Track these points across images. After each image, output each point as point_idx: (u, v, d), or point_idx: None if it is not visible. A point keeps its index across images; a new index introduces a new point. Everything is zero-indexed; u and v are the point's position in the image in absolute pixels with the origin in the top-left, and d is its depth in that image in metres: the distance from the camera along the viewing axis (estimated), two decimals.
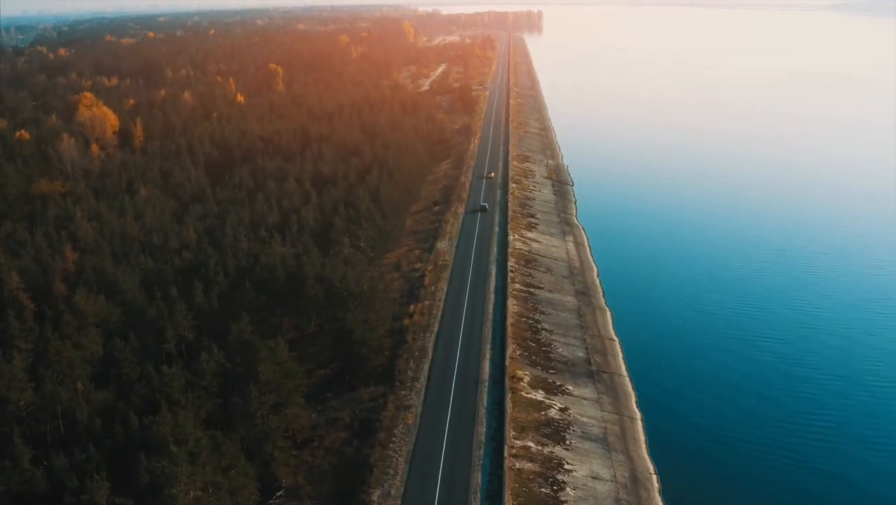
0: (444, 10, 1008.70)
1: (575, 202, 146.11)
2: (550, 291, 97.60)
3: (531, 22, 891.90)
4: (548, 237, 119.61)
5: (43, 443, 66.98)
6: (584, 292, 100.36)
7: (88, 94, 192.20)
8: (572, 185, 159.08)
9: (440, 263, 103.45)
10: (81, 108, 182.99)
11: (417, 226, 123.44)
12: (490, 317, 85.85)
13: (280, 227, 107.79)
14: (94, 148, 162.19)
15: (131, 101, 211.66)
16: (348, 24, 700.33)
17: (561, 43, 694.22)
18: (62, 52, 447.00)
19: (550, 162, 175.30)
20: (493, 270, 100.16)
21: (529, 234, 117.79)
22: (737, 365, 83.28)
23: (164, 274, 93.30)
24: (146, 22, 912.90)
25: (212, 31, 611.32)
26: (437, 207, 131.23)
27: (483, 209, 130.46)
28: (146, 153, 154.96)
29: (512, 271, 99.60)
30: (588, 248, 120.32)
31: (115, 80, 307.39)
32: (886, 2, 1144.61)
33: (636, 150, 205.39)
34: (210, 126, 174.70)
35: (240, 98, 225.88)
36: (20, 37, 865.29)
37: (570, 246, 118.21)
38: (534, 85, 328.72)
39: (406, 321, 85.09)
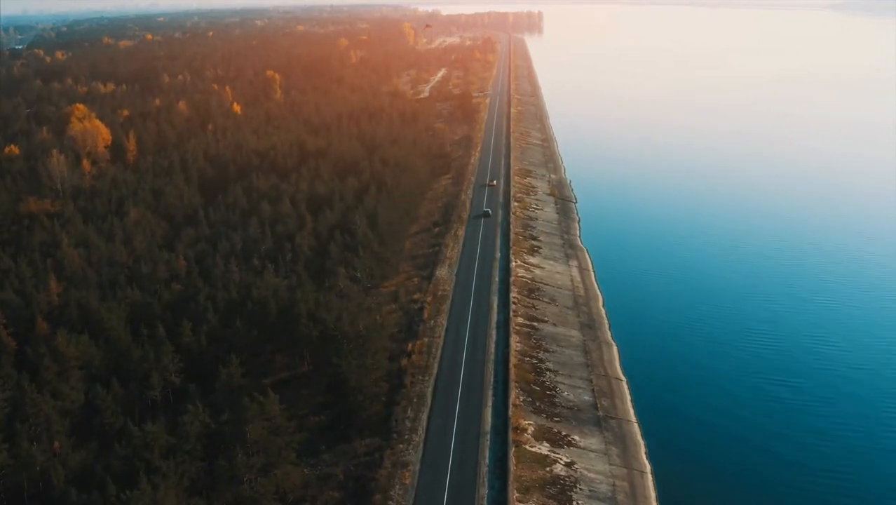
0: (444, 11, 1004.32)
1: (578, 221, 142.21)
2: (554, 325, 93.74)
3: (531, 23, 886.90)
4: (551, 262, 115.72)
5: (20, 499, 63.45)
6: (590, 325, 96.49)
7: (81, 107, 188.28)
8: (575, 202, 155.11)
9: (440, 293, 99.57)
10: (73, 120, 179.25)
11: (416, 249, 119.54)
12: (492, 357, 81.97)
13: (273, 254, 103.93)
14: (86, 164, 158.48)
15: (125, 112, 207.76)
16: (348, 26, 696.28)
17: (562, 44, 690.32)
18: (59, 55, 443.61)
19: (553, 176, 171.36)
20: (495, 301, 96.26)
21: (532, 260, 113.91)
22: (753, 408, 79.32)
23: (151, 308, 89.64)
24: (145, 23, 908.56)
25: (210, 33, 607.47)
26: (436, 229, 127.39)
27: (486, 215, 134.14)
28: (138, 170, 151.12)
29: (514, 303, 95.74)
30: (592, 273, 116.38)
31: (111, 86, 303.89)
32: (886, 2, 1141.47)
33: (640, 160, 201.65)
34: (204, 139, 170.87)
35: (236, 108, 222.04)
36: (19, 37, 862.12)
37: (575, 272, 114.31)
38: (535, 91, 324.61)
39: (404, 362, 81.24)
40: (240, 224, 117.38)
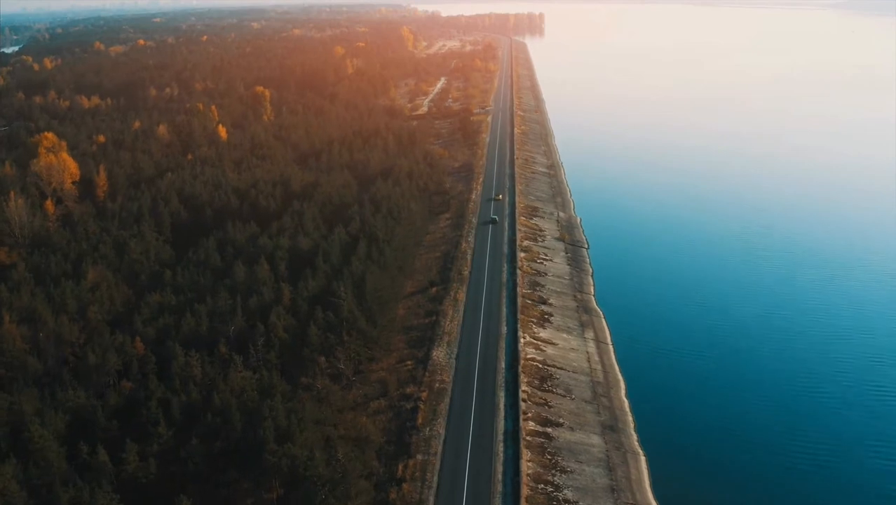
0: (444, 12, 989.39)
1: (592, 273, 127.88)
2: (572, 429, 79.65)
3: (532, 24, 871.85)
4: (564, 335, 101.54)
5: None
6: (612, 426, 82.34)
7: (49, 135, 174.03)
8: (587, 247, 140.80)
9: (437, 386, 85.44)
10: (41, 151, 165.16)
11: (411, 318, 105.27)
12: (499, 487, 67.75)
13: (244, 337, 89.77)
14: (49, 204, 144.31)
15: (101, 138, 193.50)
16: (346, 29, 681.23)
17: (564, 47, 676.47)
18: (47, 62, 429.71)
19: (562, 215, 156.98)
20: (502, 400, 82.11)
21: (543, 334, 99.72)
22: None
23: (94, 416, 75.72)
24: (141, 23, 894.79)
25: (204, 38, 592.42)
26: (434, 290, 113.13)
27: (493, 221, 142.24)
28: (104, 216, 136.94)
29: (524, 400, 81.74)
30: (611, 346, 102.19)
31: (95, 100, 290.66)
32: (887, 0, 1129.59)
33: (652, 183, 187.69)
34: (181, 175, 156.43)
35: (221, 130, 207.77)
36: (15, 37, 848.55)
37: (591, 347, 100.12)
38: (538, 104, 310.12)
39: (392, 495, 67.06)
40: (210, 290, 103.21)
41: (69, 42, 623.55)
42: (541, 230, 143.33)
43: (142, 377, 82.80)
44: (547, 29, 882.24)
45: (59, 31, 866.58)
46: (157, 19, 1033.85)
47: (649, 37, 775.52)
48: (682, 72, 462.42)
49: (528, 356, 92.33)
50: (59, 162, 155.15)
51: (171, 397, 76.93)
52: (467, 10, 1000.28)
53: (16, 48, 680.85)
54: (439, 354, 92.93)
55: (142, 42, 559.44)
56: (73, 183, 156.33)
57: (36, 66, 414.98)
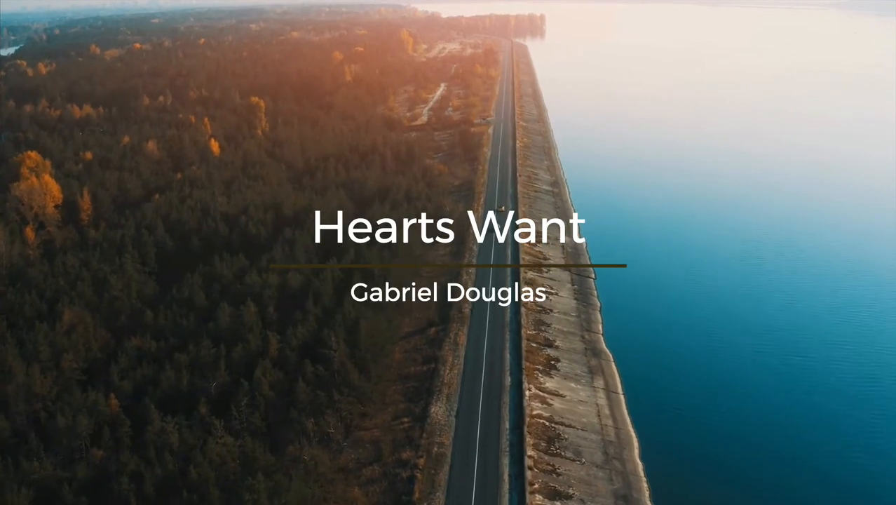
0: (444, 13, 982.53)
1: (600, 308, 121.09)
2: (582, 502, 72.91)
3: (533, 25, 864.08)
4: (572, 384, 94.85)
5: None
6: (626, 495, 75.56)
7: (33, 154, 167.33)
8: (594, 277, 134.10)
9: (435, 450, 78.72)
10: (23, 171, 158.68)
11: (407, 364, 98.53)
12: None
13: (226, 394, 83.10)
14: (29, 232, 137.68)
15: (88, 155, 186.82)
16: (345, 31, 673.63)
17: (565, 49, 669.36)
18: (42, 67, 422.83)
19: (567, 239, 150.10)
20: (507, 468, 75.33)
21: (549, 384, 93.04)
22: None
23: (61, 491, 69.07)
24: (139, 24, 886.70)
25: (202, 41, 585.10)
26: (432, 330, 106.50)
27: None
28: (85, 245, 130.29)
29: (531, 468, 75.08)
30: (622, 396, 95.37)
31: (87, 108, 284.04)
32: (889, 0, 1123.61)
33: (662, 201, 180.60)
34: (168, 199, 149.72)
35: (214, 145, 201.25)
36: (13, 38, 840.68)
37: (601, 398, 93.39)
38: (541, 114, 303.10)
39: None
40: (192, 334, 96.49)
41: (65, 44, 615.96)
42: (546, 258, 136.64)
43: (114, 443, 76.20)
44: (548, 30, 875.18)
45: (57, 32, 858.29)
46: (156, 20, 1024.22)
47: (650, 36, 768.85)
48: (683, 72, 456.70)
49: (535, 412, 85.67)
50: (41, 185, 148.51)
51: (145, 470, 70.30)
52: (467, 10, 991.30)
53: (14, 49, 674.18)
54: (438, 410, 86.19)
55: (138, 46, 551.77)
56: (56, 207, 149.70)
57: (30, 72, 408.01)
